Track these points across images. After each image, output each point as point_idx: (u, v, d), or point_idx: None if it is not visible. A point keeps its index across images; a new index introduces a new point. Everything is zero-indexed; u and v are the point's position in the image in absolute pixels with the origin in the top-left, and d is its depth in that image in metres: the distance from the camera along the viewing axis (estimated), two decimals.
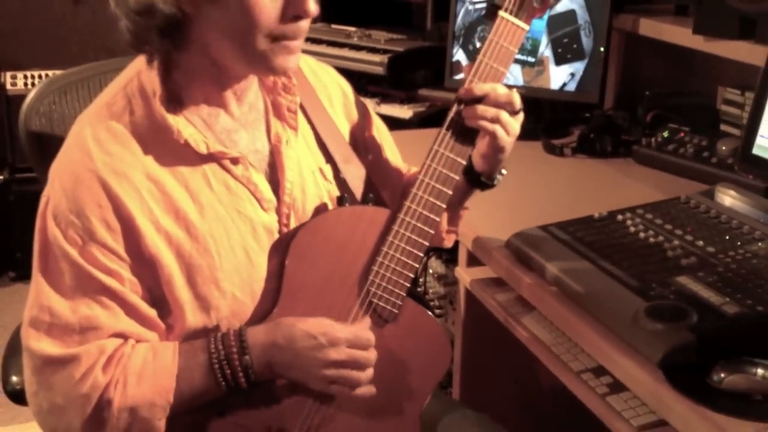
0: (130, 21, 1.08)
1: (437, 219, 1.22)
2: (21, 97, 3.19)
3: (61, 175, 1.11)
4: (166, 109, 1.12)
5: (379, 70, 2.66)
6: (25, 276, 3.36)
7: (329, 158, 1.28)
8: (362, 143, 1.38)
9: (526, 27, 1.25)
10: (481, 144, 1.28)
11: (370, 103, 2.75)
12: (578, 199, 1.79)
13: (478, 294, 1.60)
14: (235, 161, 1.17)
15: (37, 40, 3.50)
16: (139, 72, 1.15)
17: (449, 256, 1.96)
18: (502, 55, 1.23)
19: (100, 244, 1.09)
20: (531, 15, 1.27)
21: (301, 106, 1.26)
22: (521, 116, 1.28)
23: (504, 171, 1.36)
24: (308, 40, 2.96)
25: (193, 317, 1.14)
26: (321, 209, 1.24)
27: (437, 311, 1.96)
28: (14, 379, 1.35)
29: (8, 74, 3.27)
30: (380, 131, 1.44)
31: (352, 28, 3.00)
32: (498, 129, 1.23)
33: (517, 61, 2.25)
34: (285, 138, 1.22)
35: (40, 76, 3.27)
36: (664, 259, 1.35)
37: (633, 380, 1.16)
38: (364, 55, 2.73)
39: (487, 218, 1.65)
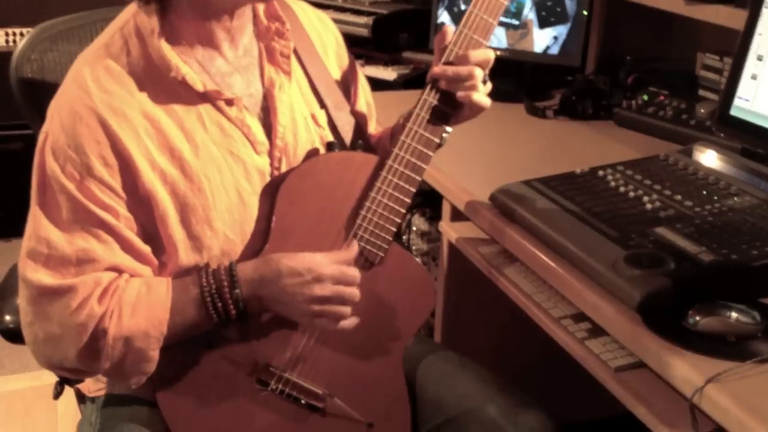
0: None
1: (424, 167, 1.25)
2: (1, 54, 3.18)
3: (60, 112, 1.13)
4: (164, 48, 1.14)
5: (364, 32, 2.67)
6: (5, 234, 3.36)
7: (322, 104, 1.31)
8: (350, 92, 1.40)
9: (506, 1, 1.28)
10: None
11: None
12: (560, 158, 1.84)
13: (461, 247, 1.64)
14: (229, 102, 1.19)
15: None
16: (135, 14, 1.16)
17: (433, 214, 2.00)
18: (482, 28, 1.26)
19: (97, 179, 1.11)
20: None
21: (295, 52, 1.28)
22: (489, 85, 1.30)
23: (450, 129, 1.36)
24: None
25: (185, 255, 1.17)
26: (312, 154, 1.27)
27: None
28: (8, 318, 1.38)
29: None
30: (364, 87, 1.46)
31: None
32: (472, 94, 1.24)
33: (501, 24, 2.28)
34: (278, 83, 1.24)
35: (20, 33, 3.24)
36: (643, 211, 1.39)
37: (611, 324, 1.21)
38: (348, 17, 2.74)
39: (471, 175, 1.68)
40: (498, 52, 2.30)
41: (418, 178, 1.25)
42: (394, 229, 1.25)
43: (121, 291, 1.14)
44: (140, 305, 1.13)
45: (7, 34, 3.25)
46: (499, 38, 2.30)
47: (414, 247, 1.99)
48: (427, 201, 1.99)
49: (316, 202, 1.23)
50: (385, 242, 1.25)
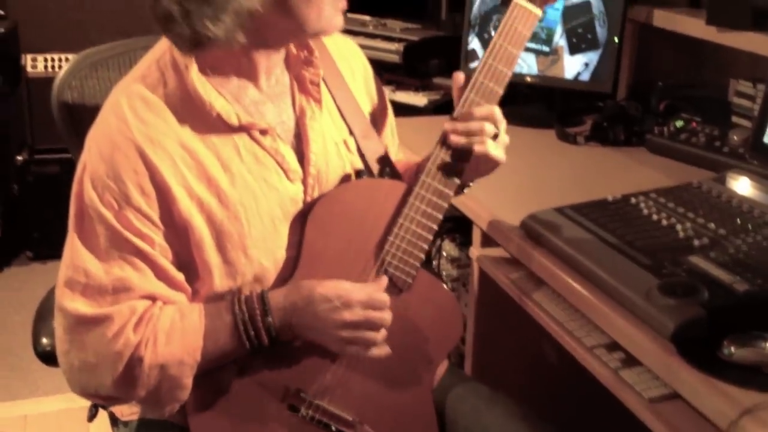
0: (210, 23, 1.09)
1: (451, 193, 1.26)
2: (41, 80, 3.26)
3: (98, 142, 1.16)
4: (198, 83, 1.16)
5: (395, 58, 2.69)
6: (41, 256, 3.42)
7: (350, 131, 1.32)
8: (377, 119, 1.42)
9: (540, 12, 1.29)
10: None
11: (385, 90, 2.80)
12: (591, 185, 1.83)
13: (491, 273, 1.64)
14: (263, 132, 1.21)
15: (56, 24, 3.55)
16: (171, 46, 1.18)
17: (463, 239, 2.00)
18: (516, 38, 1.27)
19: (134, 208, 1.13)
20: (544, 1, 1.30)
21: (324, 80, 1.30)
22: (505, 139, 1.31)
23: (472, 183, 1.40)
24: None
25: (220, 281, 1.18)
26: (344, 180, 1.29)
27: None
28: (44, 341, 1.40)
29: (29, 57, 3.32)
30: (389, 114, 1.48)
31: (367, 17, 3.03)
32: (485, 148, 1.25)
33: (531, 50, 2.29)
34: (309, 111, 1.26)
35: (60, 59, 3.31)
36: (676, 239, 1.38)
37: (645, 354, 1.20)
38: (379, 44, 2.77)
39: (502, 201, 1.68)
40: (528, 78, 2.32)
41: (445, 205, 1.26)
42: (422, 255, 1.25)
43: (156, 319, 1.15)
44: (174, 333, 1.15)
45: (46, 60, 3.32)
46: (530, 64, 2.31)
47: (444, 273, 2.00)
48: (458, 226, 1.99)
49: (345, 228, 1.24)
50: (413, 268, 1.25)
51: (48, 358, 1.38)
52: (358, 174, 1.29)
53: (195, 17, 1.10)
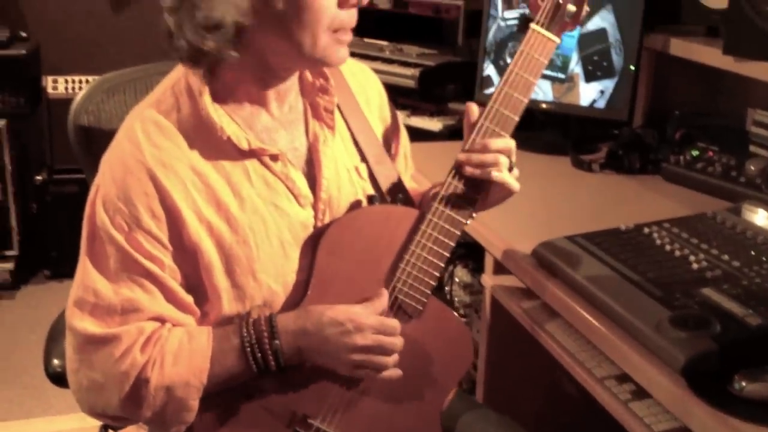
0: (199, 37, 1.11)
1: (464, 221, 1.26)
2: (61, 101, 3.31)
3: (111, 165, 1.17)
4: (211, 108, 1.17)
5: (411, 83, 2.70)
6: (59, 274, 3.45)
7: (363, 157, 1.33)
8: (391, 145, 1.43)
9: (557, 40, 1.29)
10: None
11: (399, 115, 2.80)
12: (605, 213, 1.82)
13: (503, 301, 1.63)
14: (274, 158, 1.21)
15: (77, 47, 3.60)
16: (186, 73, 1.20)
17: (476, 265, 1.99)
18: (533, 66, 1.28)
19: (145, 231, 1.14)
20: (562, 28, 1.31)
21: (339, 106, 1.30)
22: (516, 171, 1.31)
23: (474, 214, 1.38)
24: None
25: (228, 305, 1.19)
26: (355, 206, 1.29)
27: (462, 320, 1.99)
28: (55, 362, 1.41)
29: (50, 79, 3.36)
30: (404, 140, 1.48)
31: (384, 43, 3.05)
32: (502, 177, 1.26)
33: (547, 77, 2.29)
34: (322, 137, 1.27)
35: (80, 81, 3.36)
36: (688, 271, 1.37)
37: (655, 387, 1.18)
38: (395, 68, 2.78)
39: (514, 228, 1.68)
40: (544, 105, 2.32)
41: (458, 233, 1.26)
42: (433, 283, 1.25)
43: (164, 340, 1.15)
44: (182, 354, 1.15)
45: (66, 82, 3.37)
46: (545, 91, 2.31)
47: (456, 299, 1.99)
48: (470, 252, 1.98)
49: (356, 254, 1.24)
50: (423, 295, 1.25)
51: (59, 379, 1.39)
52: (371, 200, 1.29)
53: (187, 29, 1.12)
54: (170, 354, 1.15)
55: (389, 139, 1.42)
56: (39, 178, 3.38)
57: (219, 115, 1.18)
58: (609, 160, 2.13)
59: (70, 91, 3.34)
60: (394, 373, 1.22)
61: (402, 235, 1.25)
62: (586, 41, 2.23)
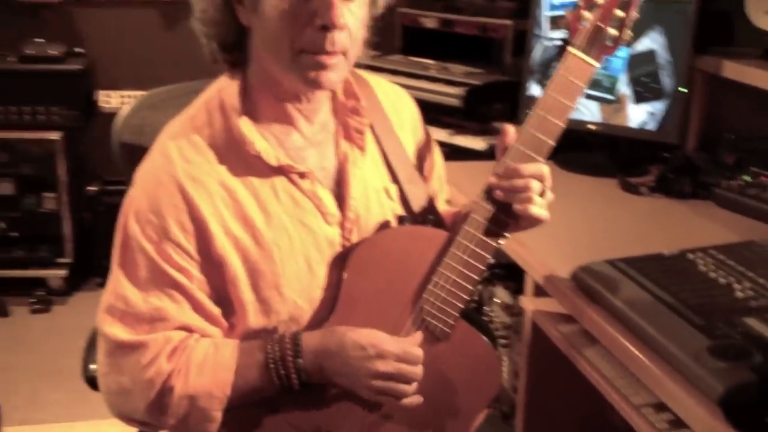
0: (203, 35, 1.19)
1: (494, 245, 1.23)
2: (113, 115, 3.38)
3: (144, 178, 1.20)
4: (243, 125, 1.18)
5: (455, 102, 2.69)
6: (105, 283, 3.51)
7: (395, 178, 1.32)
8: (424, 166, 1.41)
9: (596, 64, 1.26)
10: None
11: (443, 134, 2.80)
12: (651, 237, 1.78)
13: (542, 325, 1.61)
14: (302, 176, 1.22)
15: (130, 63, 3.68)
16: (220, 90, 1.22)
17: (516, 286, 1.97)
18: (569, 90, 1.24)
19: (173, 242, 1.16)
20: (602, 52, 1.27)
21: (372, 127, 1.30)
22: (550, 197, 1.27)
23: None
24: (385, 70, 3.04)
25: (254, 319, 1.20)
26: (384, 226, 1.28)
27: (502, 341, 1.97)
28: (92, 366, 1.45)
29: (103, 93, 3.45)
30: (438, 162, 1.47)
31: (431, 61, 3.05)
32: (528, 207, 1.22)
33: (594, 97, 2.26)
34: (352, 157, 1.27)
35: (131, 96, 3.43)
36: (732, 299, 1.33)
37: (692, 417, 1.15)
38: (440, 87, 2.77)
39: (555, 250, 1.65)
40: (592, 126, 2.29)
41: (489, 257, 1.23)
42: (461, 305, 1.23)
43: (190, 350, 1.17)
44: (206, 365, 1.16)
45: (122, 96, 3.45)
46: (593, 112, 2.28)
47: (497, 320, 1.96)
48: (511, 274, 1.96)
49: (384, 273, 1.23)
50: (451, 318, 1.24)
51: (94, 383, 1.42)
52: (401, 219, 1.28)
53: (199, 33, 1.20)
54: (195, 364, 1.16)
55: (422, 160, 1.41)
56: (92, 188, 3.45)
57: (250, 132, 1.19)
58: (659, 184, 2.08)
59: (122, 105, 3.41)
60: (415, 400, 1.21)
61: (431, 256, 1.24)
62: (635, 62, 2.20)
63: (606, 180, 2.18)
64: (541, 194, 1.25)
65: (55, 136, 3.33)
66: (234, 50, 1.21)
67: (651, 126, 2.19)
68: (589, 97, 2.27)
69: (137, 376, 1.16)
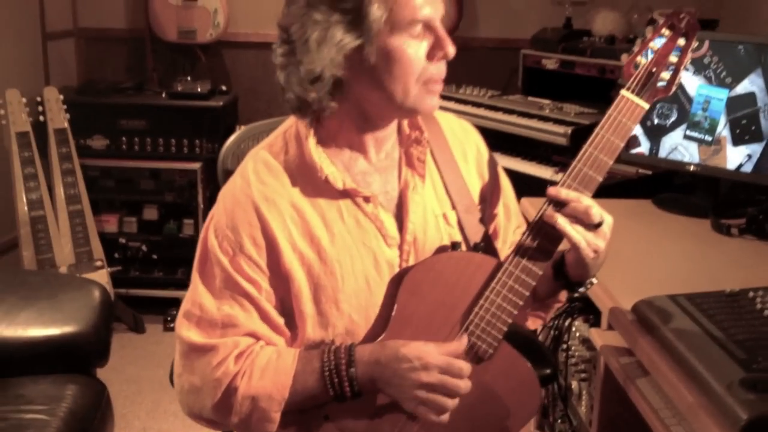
0: (303, 89, 1.28)
1: (540, 272, 1.31)
2: None
3: (225, 197, 1.35)
4: (314, 151, 1.32)
5: (562, 140, 2.76)
6: None
7: (453, 206, 1.42)
8: (488, 198, 1.50)
9: (646, 105, 1.33)
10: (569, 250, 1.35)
11: (549, 171, 2.86)
12: (729, 276, 1.79)
13: (604, 355, 1.65)
14: (366, 199, 1.35)
15: (272, 99, 3.97)
16: (297, 121, 1.37)
17: (595, 321, 2.01)
18: (620, 129, 1.32)
19: (246, 256, 1.30)
20: (653, 95, 1.35)
21: (434, 158, 1.42)
22: (604, 232, 1.31)
23: (594, 280, 1.40)
24: (501, 109, 3.15)
25: (312, 330, 1.32)
26: (440, 250, 1.38)
27: (582, 374, 2.00)
28: None
29: (243, 127, 3.73)
30: (505, 192, 1.54)
31: (546, 101, 3.13)
32: (577, 238, 1.28)
33: (694, 138, 2.28)
34: (412, 184, 1.38)
35: None
36: None
37: None
38: (550, 126, 2.86)
39: (629, 284, 1.70)
40: (691, 167, 2.29)
41: (533, 282, 1.31)
42: (505, 328, 1.31)
43: (255, 355, 1.30)
44: (268, 370, 1.29)
45: None
46: (692, 153, 2.29)
47: (577, 354, 2.00)
48: (591, 307, 2.00)
49: (436, 295, 1.32)
50: (495, 339, 1.31)
51: None
52: (454, 246, 1.38)
53: (293, 83, 1.29)
54: (258, 368, 1.29)
55: (487, 192, 1.49)
56: None
57: (321, 157, 1.33)
58: (749, 225, 2.07)
59: None
60: (447, 418, 1.26)
61: (480, 281, 1.33)
62: (734, 104, 2.20)
63: (700, 221, 2.18)
64: (594, 228, 1.31)
65: (195, 166, 3.64)
66: (335, 98, 1.30)
67: (748, 168, 2.18)
68: (689, 138, 2.29)
69: (207, 376, 1.30)
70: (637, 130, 2.41)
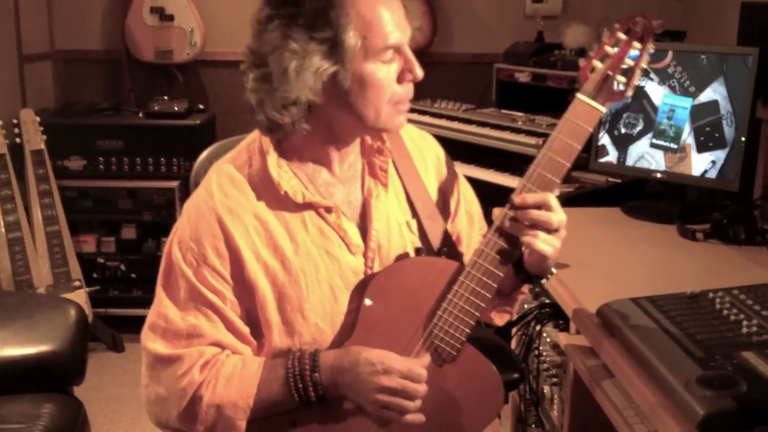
0: (277, 113, 1.30)
1: (501, 274, 1.34)
2: None
3: (188, 210, 1.38)
4: (273, 168, 1.35)
5: (534, 152, 2.80)
6: None
7: (415, 213, 1.45)
8: (447, 204, 1.54)
9: (603, 109, 1.36)
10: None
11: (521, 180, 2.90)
12: (694, 279, 1.82)
13: (570, 357, 1.68)
14: (328, 210, 1.37)
15: (250, 118, 3.99)
16: (260, 135, 1.40)
17: (565, 326, 2.04)
18: (577, 133, 1.35)
19: (210, 267, 1.33)
20: (609, 98, 1.38)
21: (396, 168, 1.45)
22: (561, 233, 1.36)
23: (554, 270, 1.45)
24: (474, 122, 3.19)
25: (279, 339, 1.34)
26: (402, 257, 1.41)
27: (554, 379, 2.03)
28: None
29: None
30: (466, 198, 1.58)
31: (519, 113, 3.18)
32: (542, 247, 1.33)
33: (660, 146, 2.32)
34: (375, 193, 1.42)
35: None
36: (738, 335, 1.38)
37: None
38: (522, 138, 2.90)
39: (595, 290, 1.72)
40: (657, 175, 2.34)
41: (495, 285, 1.34)
42: (468, 330, 1.34)
43: (220, 365, 1.32)
44: (233, 378, 1.31)
45: None
46: (658, 161, 2.33)
47: (548, 359, 2.03)
48: (561, 313, 2.03)
49: (400, 300, 1.36)
50: (458, 342, 1.34)
51: None
52: (417, 251, 1.41)
53: (267, 106, 1.31)
54: (224, 377, 1.31)
55: (448, 198, 1.54)
56: None
57: (280, 173, 1.35)
58: (714, 230, 2.11)
59: None
60: (417, 418, 1.31)
61: (442, 285, 1.36)
62: (698, 112, 2.25)
63: (667, 227, 2.22)
64: (555, 231, 1.35)
65: (173, 185, 3.66)
66: (308, 120, 1.33)
67: (712, 174, 2.23)
68: (655, 146, 2.34)
69: (172, 386, 1.32)
70: (605, 139, 2.46)
